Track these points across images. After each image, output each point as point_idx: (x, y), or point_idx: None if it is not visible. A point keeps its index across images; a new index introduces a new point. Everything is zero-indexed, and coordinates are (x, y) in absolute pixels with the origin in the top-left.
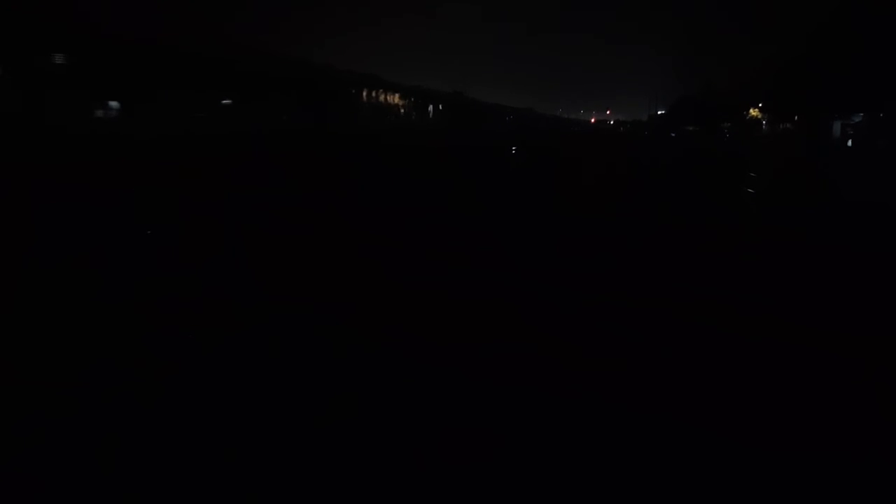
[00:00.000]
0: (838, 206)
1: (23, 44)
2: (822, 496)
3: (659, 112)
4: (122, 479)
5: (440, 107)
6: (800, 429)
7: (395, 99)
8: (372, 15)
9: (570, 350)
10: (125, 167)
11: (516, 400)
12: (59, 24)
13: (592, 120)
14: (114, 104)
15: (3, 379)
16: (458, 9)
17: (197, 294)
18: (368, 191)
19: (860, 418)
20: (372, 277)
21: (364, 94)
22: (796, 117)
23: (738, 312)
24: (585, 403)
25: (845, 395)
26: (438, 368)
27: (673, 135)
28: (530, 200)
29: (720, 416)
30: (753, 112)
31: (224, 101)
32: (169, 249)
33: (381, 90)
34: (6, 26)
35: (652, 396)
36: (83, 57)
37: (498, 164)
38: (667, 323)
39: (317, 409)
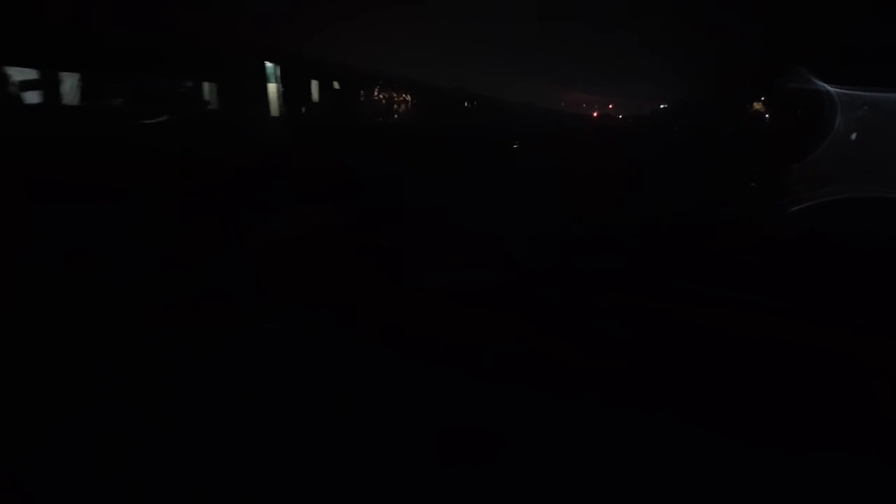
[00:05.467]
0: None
1: None
2: (822, 496)
3: (661, 106)
4: (122, 480)
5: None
6: (799, 428)
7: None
8: (357, 7)
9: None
10: None
11: (517, 400)
12: None
13: (595, 114)
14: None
15: (2, 379)
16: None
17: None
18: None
19: (860, 418)
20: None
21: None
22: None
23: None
24: (586, 403)
25: (845, 394)
26: (439, 368)
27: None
28: None
29: (720, 416)
30: (757, 105)
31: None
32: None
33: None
34: None
35: (651, 396)
36: None
37: None
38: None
39: (317, 410)
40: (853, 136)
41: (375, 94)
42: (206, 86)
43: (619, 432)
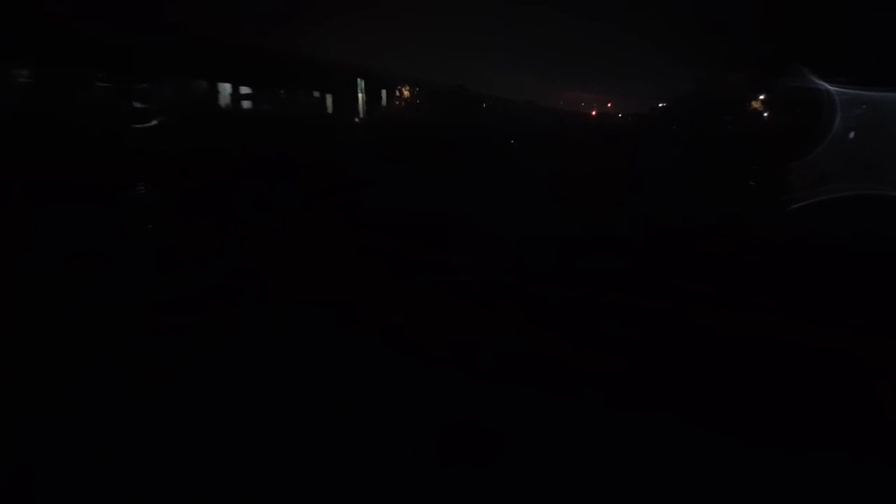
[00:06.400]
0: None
1: None
2: (822, 496)
3: (660, 105)
4: (122, 480)
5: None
6: (800, 428)
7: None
8: (355, 5)
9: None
10: None
11: (517, 400)
12: None
13: (594, 113)
14: None
15: (3, 379)
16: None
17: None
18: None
19: (860, 418)
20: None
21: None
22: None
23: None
24: (586, 403)
25: (846, 394)
26: (439, 368)
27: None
28: None
29: (720, 416)
30: (755, 104)
31: None
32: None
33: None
34: None
35: (651, 396)
36: None
37: None
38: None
39: (317, 410)
40: (852, 134)
41: (414, 96)
42: (327, 96)
43: (619, 432)
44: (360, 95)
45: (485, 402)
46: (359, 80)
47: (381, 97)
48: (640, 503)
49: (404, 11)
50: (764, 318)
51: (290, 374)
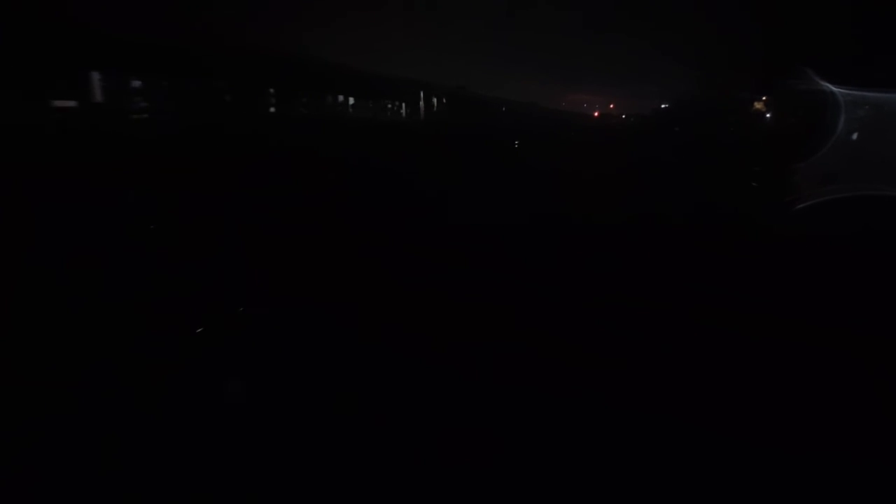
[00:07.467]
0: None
1: None
2: (822, 496)
3: (662, 106)
4: (121, 480)
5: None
6: (800, 428)
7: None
8: (359, 7)
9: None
10: None
11: (517, 400)
12: None
13: (596, 114)
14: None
15: (3, 379)
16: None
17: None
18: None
19: (860, 418)
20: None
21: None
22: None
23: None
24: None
25: (845, 394)
26: (439, 368)
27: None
28: None
29: (720, 416)
30: (758, 105)
31: None
32: None
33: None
34: None
35: (651, 396)
36: None
37: None
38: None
39: (318, 410)
40: (855, 135)
41: (450, 103)
42: (401, 104)
43: (619, 432)
44: (421, 104)
45: (485, 402)
46: (420, 91)
47: (433, 104)
48: (639, 503)
49: (409, 13)
50: (765, 318)
51: (284, 375)
